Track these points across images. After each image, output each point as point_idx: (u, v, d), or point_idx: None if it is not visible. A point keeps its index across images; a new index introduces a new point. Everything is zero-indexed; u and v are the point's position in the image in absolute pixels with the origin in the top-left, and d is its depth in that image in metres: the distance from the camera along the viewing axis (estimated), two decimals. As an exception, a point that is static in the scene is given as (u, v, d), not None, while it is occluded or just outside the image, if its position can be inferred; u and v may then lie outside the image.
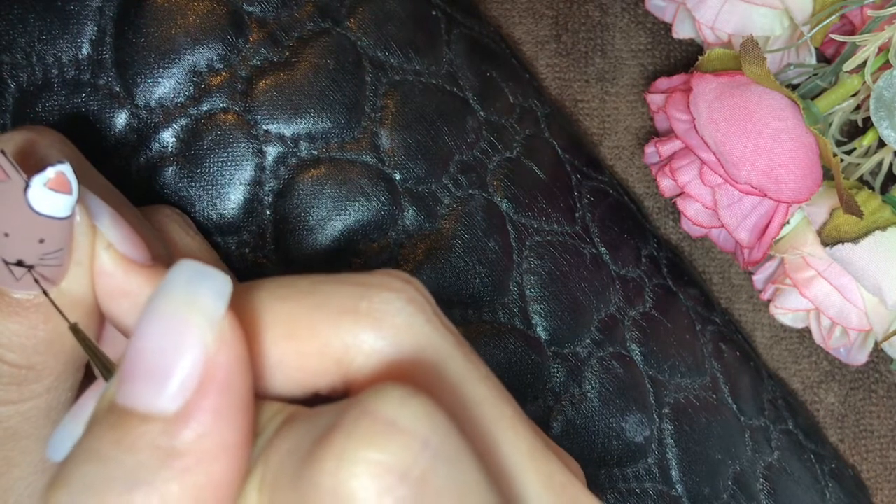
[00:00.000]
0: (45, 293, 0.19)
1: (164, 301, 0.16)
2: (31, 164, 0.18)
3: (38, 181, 0.18)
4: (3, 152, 0.18)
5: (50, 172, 0.18)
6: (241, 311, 0.17)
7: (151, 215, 0.24)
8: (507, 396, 0.18)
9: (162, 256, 0.21)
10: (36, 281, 0.19)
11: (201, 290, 0.16)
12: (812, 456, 0.37)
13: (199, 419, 0.16)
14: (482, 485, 0.16)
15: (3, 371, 0.19)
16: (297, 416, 0.17)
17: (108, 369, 0.18)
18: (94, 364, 0.19)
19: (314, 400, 0.18)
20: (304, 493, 0.15)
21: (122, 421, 0.16)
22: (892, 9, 0.32)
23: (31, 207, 0.18)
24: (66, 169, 0.18)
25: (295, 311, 0.18)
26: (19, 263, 0.18)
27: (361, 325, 0.17)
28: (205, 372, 0.16)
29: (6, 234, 0.18)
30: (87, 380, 0.21)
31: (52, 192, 0.18)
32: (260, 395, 0.18)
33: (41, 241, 0.18)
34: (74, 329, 0.19)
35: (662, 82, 0.36)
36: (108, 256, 0.20)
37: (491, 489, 0.16)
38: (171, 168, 0.27)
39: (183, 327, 0.16)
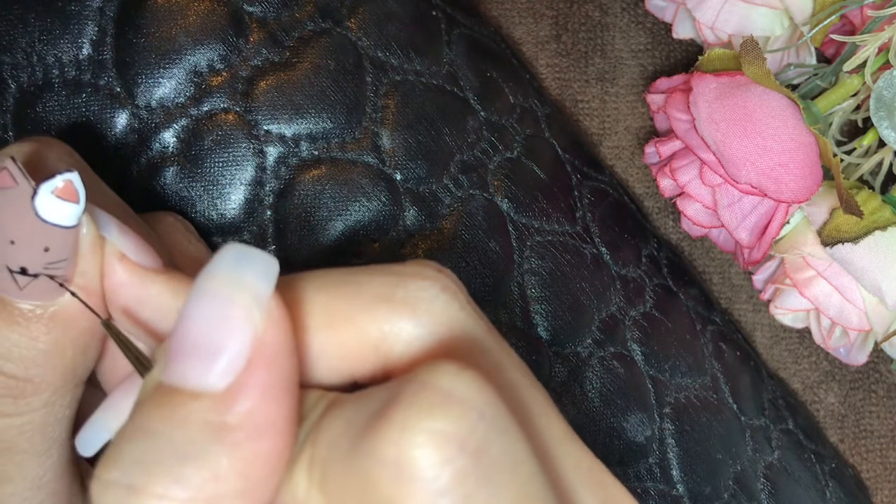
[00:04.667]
0: (74, 293, 0.19)
1: (210, 282, 0.16)
2: (39, 174, 0.18)
3: (45, 189, 0.18)
4: (12, 158, 0.18)
5: (58, 180, 0.18)
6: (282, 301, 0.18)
7: (153, 223, 0.24)
8: (538, 383, 0.19)
9: (169, 265, 0.21)
10: (61, 285, 0.19)
11: (247, 270, 0.16)
12: (812, 456, 0.37)
13: (248, 395, 0.16)
14: (532, 458, 0.16)
15: None
16: (341, 401, 0.17)
17: (143, 364, 0.18)
18: (128, 359, 0.19)
19: (352, 389, 0.18)
20: (362, 467, 0.15)
21: (170, 399, 0.16)
22: (892, 9, 0.32)
23: (37, 215, 0.18)
24: (74, 178, 0.18)
25: (332, 300, 0.18)
26: (23, 272, 0.18)
27: (398, 313, 0.18)
28: (253, 349, 0.16)
29: (11, 242, 0.18)
30: (89, 394, 0.21)
31: (60, 201, 0.18)
32: (301, 384, 0.18)
33: (46, 249, 0.18)
34: (107, 325, 0.19)
35: (662, 82, 0.36)
36: (122, 267, 0.20)
37: (538, 463, 0.16)
38: (171, 168, 0.27)
39: (230, 307, 0.16)
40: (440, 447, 0.15)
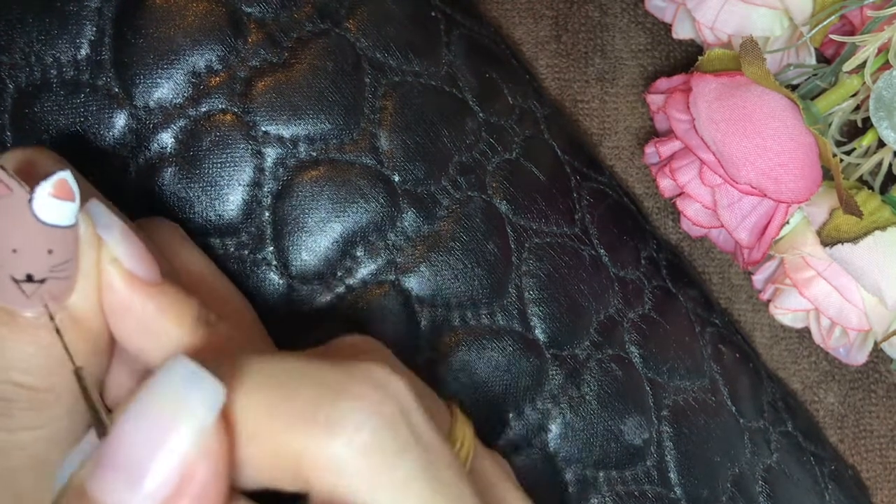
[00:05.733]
0: (57, 330, 0.18)
1: (152, 398, 0.16)
2: (30, 179, 0.18)
3: (41, 191, 0.18)
4: (2, 167, 0.18)
5: (52, 181, 0.18)
6: None
7: (151, 230, 0.24)
8: None
9: (168, 273, 0.21)
10: (48, 309, 0.18)
11: (194, 394, 0.16)
12: (811, 458, 0.37)
13: None
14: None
15: (20, 395, 0.19)
16: None
17: (104, 426, 0.18)
18: (90, 416, 0.18)
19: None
20: None
21: None
22: (891, 9, 0.32)
23: (37, 218, 0.18)
24: (67, 175, 0.18)
25: (255, 409, 0.17)
26: (29, 279, 0.18)
27: (317, 437, 0.17)
28: (180, 481, 0.15)
29: (14, 251, 0.18)
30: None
31: (57, 200, 0.18)
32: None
33: (50, 251, 0.18)
34: (78, 375, 0.19)
35: (662, 82, 0.36)
36: (113, 270, 0.19)
37: None
38: (169, 169, 0.27)
39: (166, 431, 0.15)
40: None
